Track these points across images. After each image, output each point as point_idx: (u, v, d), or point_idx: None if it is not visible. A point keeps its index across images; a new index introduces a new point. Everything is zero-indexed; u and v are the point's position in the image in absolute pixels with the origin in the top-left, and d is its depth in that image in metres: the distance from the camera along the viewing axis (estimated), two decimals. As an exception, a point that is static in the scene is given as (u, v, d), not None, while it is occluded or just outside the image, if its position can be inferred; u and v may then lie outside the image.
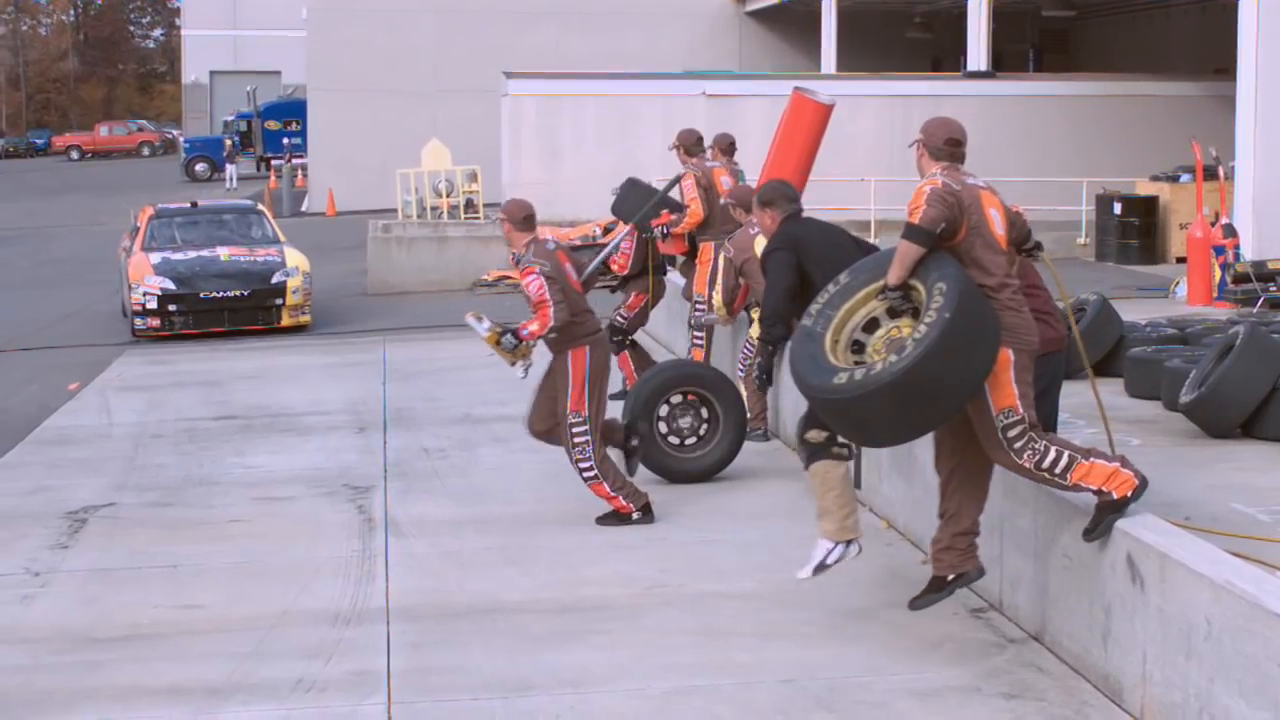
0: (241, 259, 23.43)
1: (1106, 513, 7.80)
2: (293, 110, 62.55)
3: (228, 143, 65.74)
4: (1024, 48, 44.63)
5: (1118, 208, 28.41)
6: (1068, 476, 7.88)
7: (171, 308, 22.53)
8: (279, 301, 22.95)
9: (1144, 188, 28.88)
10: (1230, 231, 21.91)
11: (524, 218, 11.31)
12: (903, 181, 33.26)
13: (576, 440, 11.15)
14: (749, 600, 9.42)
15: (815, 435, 8.80)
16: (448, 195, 35.21)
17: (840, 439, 8.79)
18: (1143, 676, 7.39)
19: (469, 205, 35.33)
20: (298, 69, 60.09)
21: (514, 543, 10.91)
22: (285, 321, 22.99)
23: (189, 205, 26.22)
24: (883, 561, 10.25)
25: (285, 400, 17.18)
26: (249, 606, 9.77)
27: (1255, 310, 19.67)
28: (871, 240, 29.71)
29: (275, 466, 13.86)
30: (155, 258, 23.14)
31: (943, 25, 42.85)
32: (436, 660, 8.68)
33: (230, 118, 70.94)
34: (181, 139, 78.54)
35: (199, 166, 68.36)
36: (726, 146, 15.93)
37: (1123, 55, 42.81)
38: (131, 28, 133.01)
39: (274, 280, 23.03)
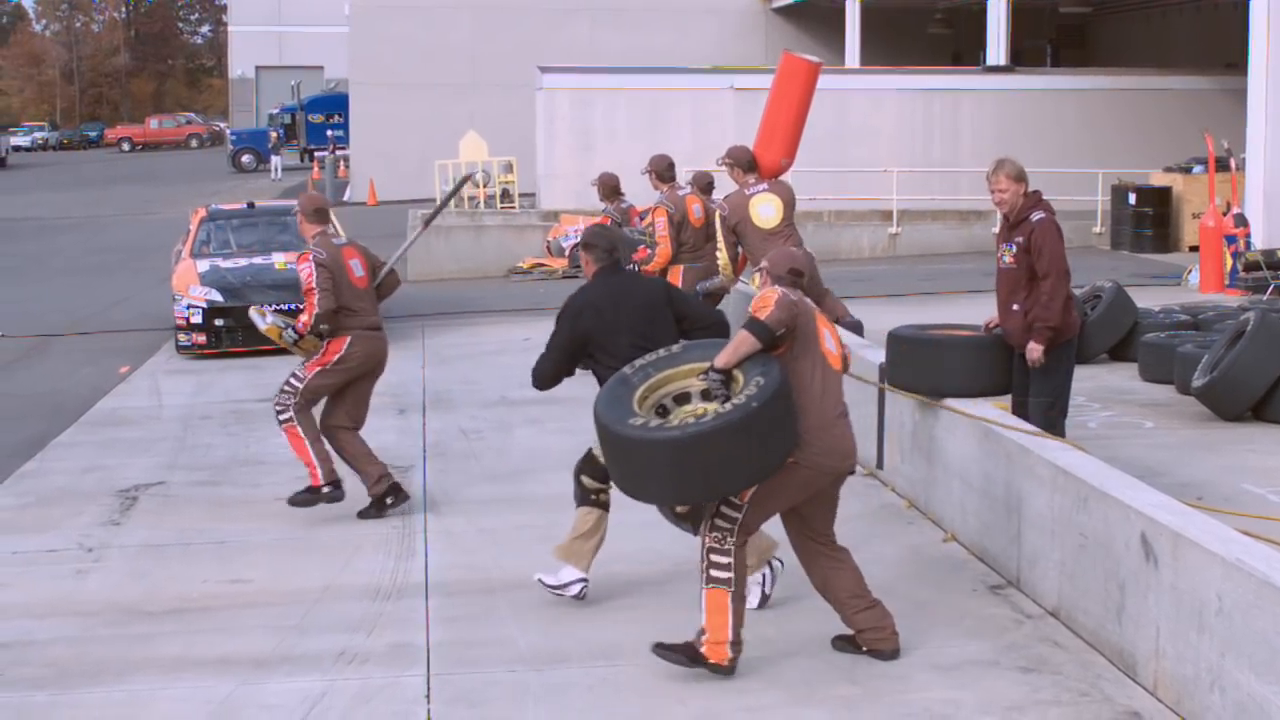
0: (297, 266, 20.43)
1: (684, 655, 7.78)
2: (335, 104, 62.65)
3: (273, 135, 66.02)
4: (1042, 43, 44.53)
5: (1132, 198, 28.34)
6: (705, 586, 7.78)
7: (219, 322, 19.28)
8: None
9: (1158, 179, 28.80)
10: (1241, 221, 21.87)
11: (314, 210, 11.38)
12: (923, 172, 33.33)
13: (284, 390, 11.18)
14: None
15: (590, 483, 8.94)
16: (484, 185, 35.21)
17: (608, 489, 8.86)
18: (1156, 651, 7.37)
19: (505, 195, 35.35)
20: (340, 64, 60.22)
21: (548, 521, 10.90)
22: None
23: (245, 206, 22.97)
24: (904, 540, 10.24)
25: (328, 383, 17.18)
26: (293, 581, 9.80)
27: (1266, 297, 19.62)
28: (895, 225, 29.62)
29: (319, 447, 13.86)
30: (203, 265, 20.20)
31: (963, 21, 42.77)
32: (473, 634, 8.69)
33: (275, 111, 71.11)
34: (228, 131, 78.73)
35: (245, 158, 68.59)
36: (705, 186, 16.01)
37: (1137, 50, 42.67)
38: (180, 24, 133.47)
39: None
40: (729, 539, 7.77)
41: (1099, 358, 15.88)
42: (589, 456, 8.97)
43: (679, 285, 15.25)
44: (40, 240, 37.92)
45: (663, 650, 7.86)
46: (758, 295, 7.96)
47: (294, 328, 11.14)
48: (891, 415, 11.37)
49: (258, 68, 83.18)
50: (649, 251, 15.56)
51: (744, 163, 13.88)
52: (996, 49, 34.57)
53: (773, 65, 15.54)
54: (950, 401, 10.29)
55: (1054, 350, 9.97)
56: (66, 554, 10.62)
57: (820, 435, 7.79)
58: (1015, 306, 10.00)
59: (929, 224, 30.57)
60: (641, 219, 15.82)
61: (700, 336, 8.73)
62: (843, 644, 8.14)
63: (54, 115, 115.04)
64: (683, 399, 7.96)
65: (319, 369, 11.15)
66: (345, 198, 46.63)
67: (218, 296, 19.52)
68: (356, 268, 11.28)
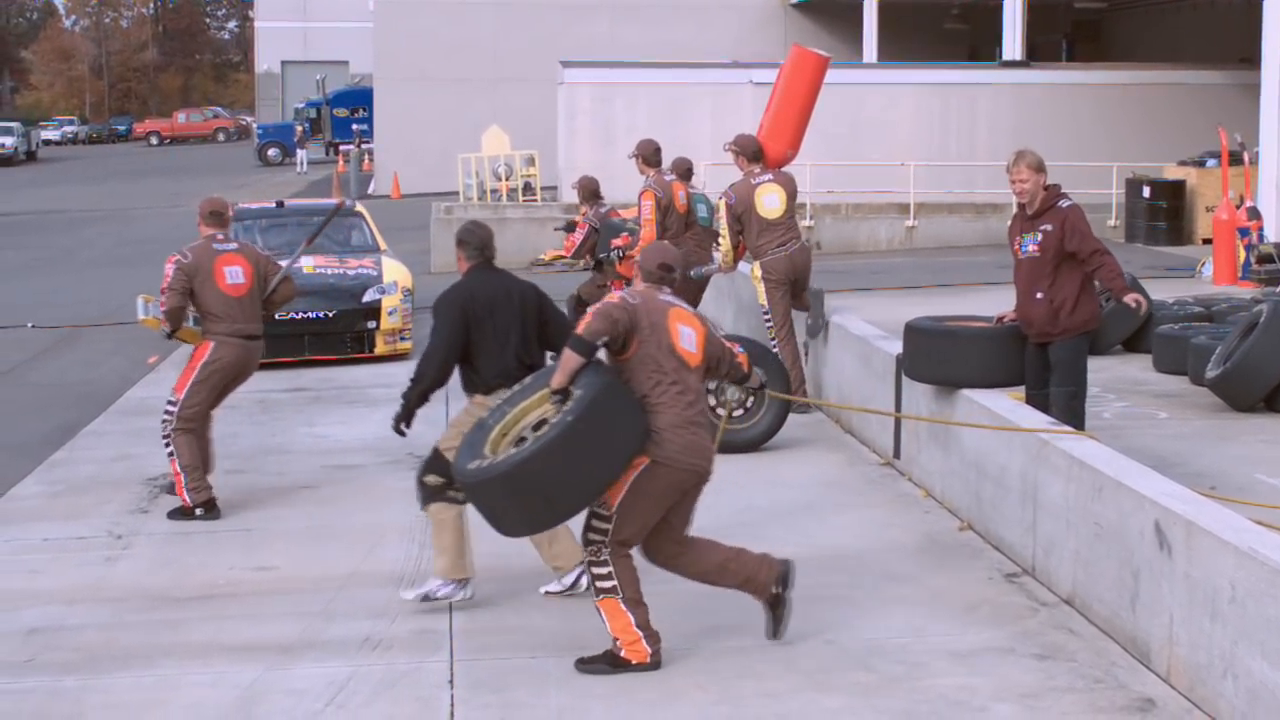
0: (328, 271, 18.17)
1: (606, 664, 7.80)
2: (360, 98, 62.70)
3: (298, 129, 66.10)
4: (1057, 38, 44.43)
5: (1146, 191, 28.25)
6: (598, 597, 7.80)
7: None
8: (372, 325, 17.87)
9: (1171, 172, 28.71)
10: (1254, 214, 21.79)
11: (209, 213, 11.53)
12: (940, 165, 33.23)
13: (164, 418, 11.36)
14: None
15: (433, 480, 8.90)
16: (506, 178, 35.22)
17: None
18: (1169, 638, 7.35)
19: (527, 188, 35.35)
20: (365, 59, 60.25)
21: (569, 509, 10.90)
22: (380, 349, 17.96)
23: (273, 205, 20.74)
24: (922, 529, 10.22)
25: (353, 373, 17.20)
26: (319, 568, 9.81)
27: (1278, 289, 19.54)
28: (920, 217, 29.58)
29: (343, 436, 13.89)
30: None
31: (979, 17, 42.64)
32: (496, 620, 8.70)
33: (301, 105, 71.26)
34: (255, 125, 78.91)
35: (271, 151, 68.69)
36: (685, 172, 16.00)
37: (1151, 45, 42.54)
38: (207, 20, 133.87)
39: (365, 299, 17.90)
40: (603, 550, 7.76)
41: (1113, 349, 15.84)
42: (432, 459, 8.93)
43: None
44: (70, 232, 38.02)
45: (585, 665, 7.87)
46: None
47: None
48: (908, 406, 11.35)
49: (283, 63, 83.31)
50: (630, 239, 15.53)
51: (750, 152, 13.89)
52: (1012, 44, 34.48)
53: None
54: (966, 393, 10.28)
55: (1075, 341, 9.96)
56: (96, 541, 10.65)
57: (680, 433, 7.76)
58: (1039, 295, 9.96)
59: (945, 217, 30.51)
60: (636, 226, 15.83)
61: (560, 346, 8.63)
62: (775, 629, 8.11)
63: (83, 109, 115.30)
64: (540, 426, 7.90)
65: (190, 378, 11.35)
66: (370, 191, 46.67)
67: None
68: (234, 274, 11.34)
